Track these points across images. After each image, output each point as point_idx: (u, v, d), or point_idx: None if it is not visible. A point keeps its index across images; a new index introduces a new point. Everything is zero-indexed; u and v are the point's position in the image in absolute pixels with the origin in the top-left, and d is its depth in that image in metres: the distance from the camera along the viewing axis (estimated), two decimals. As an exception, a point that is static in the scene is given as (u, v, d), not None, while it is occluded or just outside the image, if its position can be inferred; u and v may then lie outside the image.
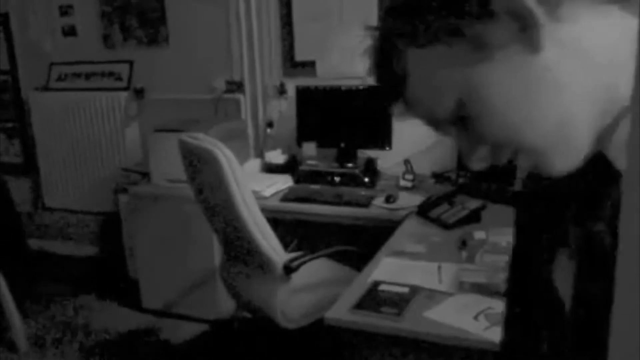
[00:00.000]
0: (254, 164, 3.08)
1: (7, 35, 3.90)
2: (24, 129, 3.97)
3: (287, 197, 2.69)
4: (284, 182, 2.83)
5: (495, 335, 1.37)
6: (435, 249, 1.95)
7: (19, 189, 4.08)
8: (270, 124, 3.25)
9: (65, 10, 3.73)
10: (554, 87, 0.58)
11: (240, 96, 3.33)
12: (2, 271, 2.82)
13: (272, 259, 2.08)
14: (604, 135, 0.59)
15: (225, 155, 1.96)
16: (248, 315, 2.58)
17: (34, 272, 3.71)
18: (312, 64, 3.14)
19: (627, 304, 0.30)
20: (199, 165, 2.09)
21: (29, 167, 4.03)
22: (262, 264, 2.11)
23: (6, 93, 4.00)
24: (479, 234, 1.93)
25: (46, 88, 3.81)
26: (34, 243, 4.08)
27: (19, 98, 3.96)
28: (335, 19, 3.05)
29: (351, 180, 2.85)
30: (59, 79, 3.79)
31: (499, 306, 1.50)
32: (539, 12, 0.54)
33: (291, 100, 3.13)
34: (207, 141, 2.03)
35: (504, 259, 1.61)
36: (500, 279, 1.55)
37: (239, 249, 2.18)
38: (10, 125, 4.06)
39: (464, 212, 2.20)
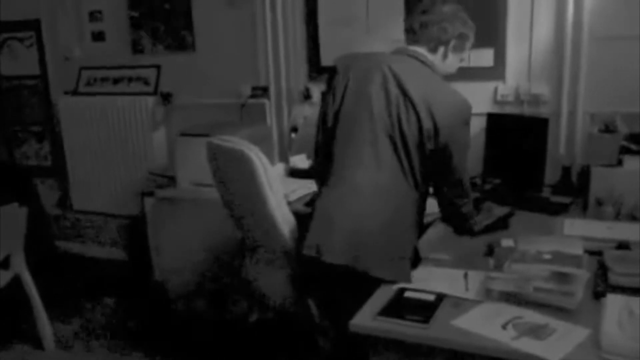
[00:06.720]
0: (279, 168, 3.09)
1: (38, 40, 3.98)
2: (53, 133, 4.05)
3: (312, 201, 2.68)
4: (309, 186, 2.82)
5: (524, 344, 1.35)
6: (461, 256, 1.93)
7: (48, 191, 4.16)
8: (294, 129, 3.25)
9: (94, 16, 3.79)
10: None
11: (265, 101, 3.34)
12: (30, 272, 2.87)
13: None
14: None
15: (257, 155, 1.97)
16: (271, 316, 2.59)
17: (61, 273, 3.76)
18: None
19: None
20: (229, 168, 2.09)
21: (57, 169, 4.10)
22: (291, 265, 2.11)
23: (36, 97, 4.08)
24: (507, 242, 1.90)
25: (75, 92, 3.87)
26: (61, 244, 4.15)
27: (49, 102, 4.04)
28: (361, 24, 3.05)
29: (376, 185, 2.82)
30: (88, 83, 3.86)
31: (527, 315, 1.47)
32: None
33: (316, 106, 3.12)
34: (238, 143, 2.04)
35: (533, 268, 1.57)
36: (530, 287, 1.52)
37: (266, 251, 2.19)
38: (39, 128, 4.14)
39: (491, 219, 2.17)
